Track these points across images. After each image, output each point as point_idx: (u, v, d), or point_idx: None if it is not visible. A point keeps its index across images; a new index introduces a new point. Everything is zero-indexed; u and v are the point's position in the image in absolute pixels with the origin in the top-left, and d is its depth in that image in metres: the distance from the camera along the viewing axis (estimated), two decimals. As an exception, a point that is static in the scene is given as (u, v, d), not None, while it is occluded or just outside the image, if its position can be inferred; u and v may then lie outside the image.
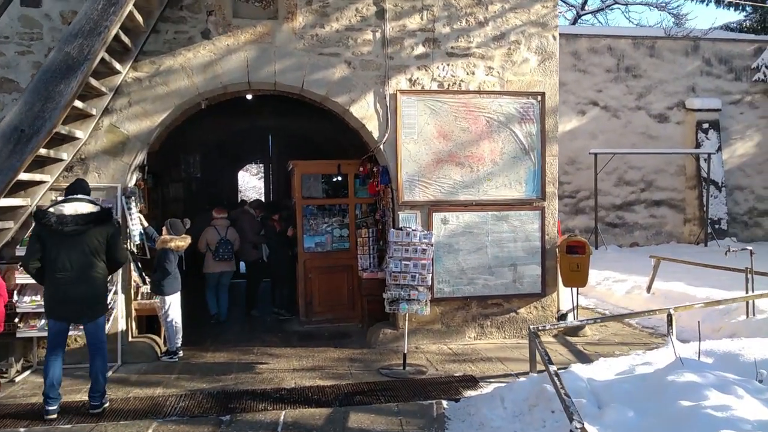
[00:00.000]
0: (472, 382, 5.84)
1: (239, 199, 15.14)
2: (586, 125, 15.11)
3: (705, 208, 14.92)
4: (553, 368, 4.06)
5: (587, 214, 15.17)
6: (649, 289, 9.25)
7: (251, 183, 31.26)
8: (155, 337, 7.05)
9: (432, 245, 6.26)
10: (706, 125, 15.35)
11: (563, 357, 6.60)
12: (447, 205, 7.26)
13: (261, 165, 16.20)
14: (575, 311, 7.78)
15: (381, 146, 7.13)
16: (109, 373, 6.09)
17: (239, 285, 10.40)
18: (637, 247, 15.38)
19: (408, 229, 6.27)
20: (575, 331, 7.57)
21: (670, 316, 5.58)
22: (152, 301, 6.97)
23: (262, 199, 14.86)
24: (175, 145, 11.05)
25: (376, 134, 7.13)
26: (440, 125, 7.20)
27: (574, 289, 7.65)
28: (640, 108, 15.39)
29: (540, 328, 5.32)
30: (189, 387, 5.77)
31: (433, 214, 7.21)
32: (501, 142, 7.35)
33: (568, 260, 7.35)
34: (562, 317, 8.01)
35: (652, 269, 9.23)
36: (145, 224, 6.97)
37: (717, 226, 15.10)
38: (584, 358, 6.55)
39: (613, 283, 10.29)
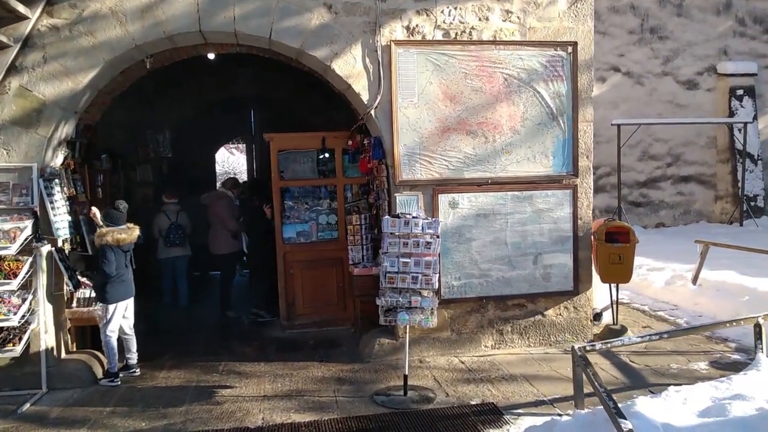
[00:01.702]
0: (494, 414, 4.46)
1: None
2: (606, 93, 13.56)
3: (740, 184, 13.43)
4: (627, 427, 2.66)
5: (608, 193, 13.71)
6: (695, 280, 7.84)
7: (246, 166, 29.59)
8: (97, 353, 5.68)
9: (438, 237, 4.83)
10: (740, 92, 13.80)
11: (607, 374, 5.20)
12: (456, 184, 5.83)
13: (244, 144, 14.75)
14: (614, 310, 6.39)
15: (372, 112, 5.67)
16: (26, 406, 4.77)
17: (214, 279, 8.99)
18: (663, 227, 13.97)
19: (407, 216, 4.84)
20: (615, 336, 6.17)
21: (758, 326, 4.17)
22: (91, 309, 5.60)
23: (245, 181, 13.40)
24: (141, 121, 9.62)
25: (365, 96, 5.67)
26: (446, 85, 5.74)
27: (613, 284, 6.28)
28: (667, 74, 13.84)
29: (587, 347, 3.91)
30: (122, 427, 4.41)
31: (439, 195, 5.79)
32: (522, 104, 5.89)
33: (608, 250, 5.95)
34: (597, 317, 6.66)
35: (699, 256, 7.80)
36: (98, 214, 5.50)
37: (753, 204, 13.62)
38: (636, 377, 5.16)
39: (648, 272, 8.86)
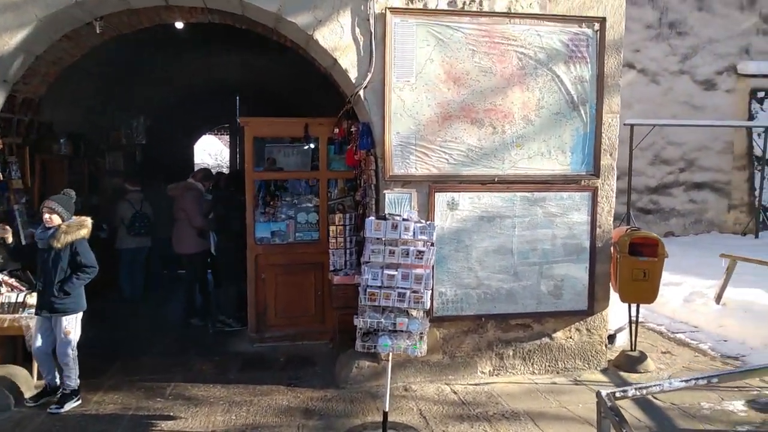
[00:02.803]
0: (493, 470, 3.60)
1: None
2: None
3: (758, 193, 12.59)
4: None
5: (616, 198, 12.84)
6: (719, 298, 6.99)
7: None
8: (20, 370, 4.77)
9: (433, 245, 3.95)
10: (761, 94, 12.91)
11: (627, 413, 4.31)
12: (456, 181, 4.95)
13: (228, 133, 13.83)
14: (633, 334, 5.53)
15: (361, 92, 4.78)
16: None
17: (182, 278, 8.09)
18: (673, 236, 13.09)
19: (396, 218, 3.96)
20: (634, 365, 5.33)
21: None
22: (17, 316, 4.70)
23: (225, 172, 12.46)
24: (112, 103, 8.73)
25: (353, 74, 4.78)
26: (450, 63, 4.85)
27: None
28: (684, 72, 12.95)
29: (618, 393, 3.05)
30: (29, 471, 3.53)
31: (436, 194, 4.90)
32: (539, 90, 5.01)
33: (632, 265, 5.10)
34: (610, 339, 5.82)
35: (725, 272, 6.95)
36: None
37: (770, 214, 12.79)
38: (661, 419, 4.32)
39: (663, 287, 7.87)
